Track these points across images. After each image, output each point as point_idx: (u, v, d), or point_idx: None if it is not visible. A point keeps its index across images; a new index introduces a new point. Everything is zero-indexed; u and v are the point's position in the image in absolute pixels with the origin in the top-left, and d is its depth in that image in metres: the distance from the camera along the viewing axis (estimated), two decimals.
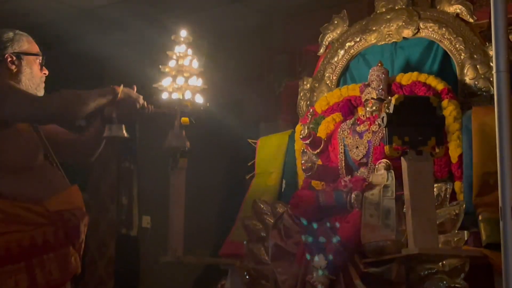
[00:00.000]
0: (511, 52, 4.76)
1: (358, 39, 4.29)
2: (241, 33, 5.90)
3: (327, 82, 4.33)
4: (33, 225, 2.85)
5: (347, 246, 3.41)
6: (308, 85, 4.43)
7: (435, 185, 3.36)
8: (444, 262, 3.23)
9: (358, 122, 3.91)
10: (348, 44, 4.32)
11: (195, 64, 3.86)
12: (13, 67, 3.08)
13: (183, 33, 3.90)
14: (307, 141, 3.89)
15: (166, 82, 3.79)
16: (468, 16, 4.00)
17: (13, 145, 2.94)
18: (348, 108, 4.07)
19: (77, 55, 6.02)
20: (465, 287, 3.19)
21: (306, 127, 3.90)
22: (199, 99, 3.78)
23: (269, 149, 4.33)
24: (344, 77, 4.32)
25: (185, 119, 3.69)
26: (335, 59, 4.35)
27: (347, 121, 3.97)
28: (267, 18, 5.72)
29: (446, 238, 3.31)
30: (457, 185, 3.58)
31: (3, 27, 3.17)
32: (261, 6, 5.61)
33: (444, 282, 3.22)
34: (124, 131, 3.13)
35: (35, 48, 3.18)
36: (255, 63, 5.78)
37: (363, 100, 3.93)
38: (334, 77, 4.33)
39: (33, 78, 3.12)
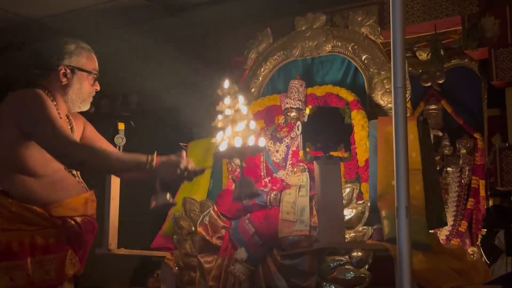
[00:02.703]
0: (416, 67, 4.98)
1: (280, 54, 4.32)
2: (178, 43, 5.88)
3: (252, 92, 4.35)
4: (35, 226, 2.73)
5: (266, 240, 3.46)
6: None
7: (344, 186, 3.43)
8: (350, 254, 3.31)
9: (278, 129, 3.95)
10: (271, 58, 4.35)
11: (244, 109, 3.37)
12: (64, 79, 2.89)
13: (226, 83, 3.43)
14: None
15: (219, 136, 3.32)
16: (376, 36, 4.07)
17: (34, 152, 2.79)
18: (270, 116, 4.11)
19: None
20: (369, 276, 3.26)
21: None
22: (261, 142, 3.25)
23: (199, 152, 4.30)
24: (267, 87, 4.35)
25: (121, 124, 3.58)
26: (259, 71, 4.37)
27: (269, 128, 4.01)
28: (201, 31, 5.72)
29: (353, 233, 3.39)
30: (364, 186, 3.63)
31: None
32: (195, 20, 5.61)
33: (351, 272, 3.29)
34: (169, 198, 2.92)
35: (92, 65, 2.98)
36: (189, 71, 5.76)
37: (283, 109, 3.97)
38: (258, 88, 4.35)
39: (81, 93, 2.94)
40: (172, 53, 5.90)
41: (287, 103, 3.92)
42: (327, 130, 3.23)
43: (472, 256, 4.32)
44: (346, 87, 3.94)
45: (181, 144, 4.39)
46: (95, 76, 3.00)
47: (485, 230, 4.64)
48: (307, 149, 3.21)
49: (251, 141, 3.18)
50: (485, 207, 4.76)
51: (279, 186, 3.60)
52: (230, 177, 3.94)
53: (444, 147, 5.08)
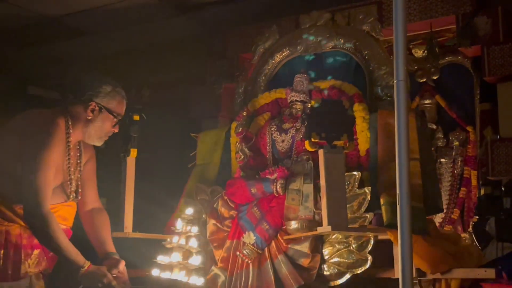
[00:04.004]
0: (411, 64, 4.98)
1: (285, 50, 4.32)
2: (186, 40, 5.88)
3: (259, 86, 4.35)
4: (11, 222, 2.78)
5: (272, 225, 3.48)
6: (243, 88, 4.45)
7: (346, 173, 3.42)
8: (352, 238, 3.33)
9: (284, 120, 3.95)
10: (277, 54, 4.34)
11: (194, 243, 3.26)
12: (91, 115, 2.94)
13: (189, 211, 3.38)
14: (241, 136, 3.94)
15: (162, 259, 3.25)
16: (377, 33, 4.08)
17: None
18: (276, 108, 4.10)
19: None
20: (369, 259, 3.27)
21: (240, 124, 3.93)
22: (195, 280, 3.18)
23: (208, 142, 4.31)
24: (273, 82, 4.34)
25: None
26: (266, 66, 4.37)
27: (275, 119, 4.01)
28: (209, 29, 5.72)
29: (354, 219, 3.39)
30: (365, 174, 3.62)
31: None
32: (204, 17, 5.61)
33: (353, 255, 3.32)
34: None
35: (120, 110, 3.04)
36: (198, 67, 5.76)
37: (288, 101, 3.97)
38: (265, 82, 4.35)
39: (101, 131, 3.00)
40: (181, 49, 5.91)
41: (292, 96, 3.92)
42: (331, 121, 3.24)
43: (465, 241, 4.34)
44: (348, 81, 3.93)
45: (192, 135, 4.40)
46: (118, 119, 3.02)
47: (477, 217, 4.66)
48: (312, 139, 3.21)
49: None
50: (477, 196, 4.78)
51: (284, 175, 3.59)
52: (238, 165, 3.95)
53: (438, 139, 5.10)
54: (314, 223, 3.35)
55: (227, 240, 3.58)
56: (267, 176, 3.66)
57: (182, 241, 3.29)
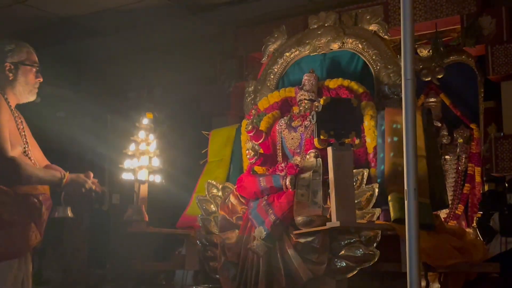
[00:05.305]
0: (417, 63, 4.94)
1: (294, 50, 4.29)
2: (198, 40, 5.86)
3: (268, 85, 4.33)
4: (1, 203, 2.81)
5: (282, 220, 3.45)
6: (253, 87, 4.42)
7: (355, 170, 3.40)
8: (360, 233, 3.30)
9: (293, 118, 3.92)
10: (286, 53, 4.32)
11: (153, 147, 3.74)
12: (10, 75, 3.00)
13: (145, 121, 3.82)
14: (251, 133, 3.91)
15: (127, 163, 3.67)
16: (384, 33, 4.05)
17: None
18: (285, 106, 4.08)
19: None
20: (377, 254, 3.25)
21: (250, 121, 3.90)
22: (157, 178, 3.66)
23: (219, 140, 4.30)
24: (282, 80, 4.32)
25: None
26: (275, 66, 4.34)
27: (284, 117, 3.98)
28: (219, 29, 5.69)
29: (362, 214, 3.37)
30: (372, 171, 3.61)
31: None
32: (215, 18, 5.58)
33: (360, 249, 3.28)
34: (69, 212, 3.01)
35: (33, 58, 3.07)
36: (208, 66, 5.74)
37: (297, 100, 3.94)
38: (274, 81, 4.32)
39: (27, 85, 3.04)
40: (192, 49, 5.89)
41: (302, 95, 3.89)
42: (339, 119, 3.22)
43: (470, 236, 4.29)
44: (356, 80, 3.91)
45: (204, 132, 4.39)
46: (37, 68, 3.07)
47: (481, 212, 4.62)
48: (321, 137, 3.19)
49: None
50: (481, 191, 4.73)
51: (294, 171, 3.56)
52: (248, 162, 3.93)
53: (443, 136, 5.04)
54: (323, 218, 3.32)
55: (238, 234, 3.55)
56: (277, 172, 3.63)
57: (143, 147, 3.67)
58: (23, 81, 3.03)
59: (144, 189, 3.66)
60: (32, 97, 3.08)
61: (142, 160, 3.79)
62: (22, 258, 2.83)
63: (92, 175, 3.05)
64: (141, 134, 3.87)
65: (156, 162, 3.79)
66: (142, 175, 3.74)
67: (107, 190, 6.16)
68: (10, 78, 3.00)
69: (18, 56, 3.03)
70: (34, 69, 3.07)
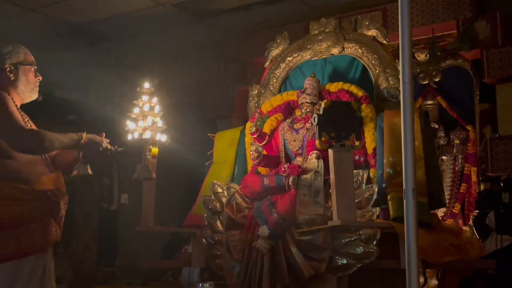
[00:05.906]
0: (415, 67, 4.98)
1: (296, 55, 4.32)
2: (202, 45, 5.89)
3: (271, 89, 4.35)
4: (21, 200, 2.84)
5: (285, 219, 3.48)
6: (256, 91, 4.45)
7: (355, 171, 3.42)
8: (360, 231, 3.33)
9: (296, 121, 3.95)
10: (288, 58, 4.34)
11: (157, 109, 3.70)
12: (11, 76, 3.05)
13: (146, 85, 3.79)
14: (255, 136, 3.94)
15: (131, 125, 3.60)
16: (382, 38, 4.07)
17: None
18: (288, 109, 4.10)
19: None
20: (377, 251, 3.28)
21: (254, 124, 3.93)
22: (163, 138, 3.61)
23: (224, 142, 4.32)
24: (284, 84, 4.34)
25: (154, 150, 3.62)
26: (278, 70, 4.36)
27: (287, 120, 4.01)
28: (223, 34, 5.73)
29: (362, 213, 3.39)
30: (372, 171, 3.63)
31: None
32: (218, 24, 5.62)
33: (360, 247, 3.32)
34: (89, 170, 3.03)
35: (30, 58, 3.12)
36: (213, 70, 5.77)
37: (299, 103, 3.97)
38: (277, 85, 4.35)
39: (28, 84, 3.08)
40: (197, 54, 5.92)
41: (303, 98, 3.92)
42: (340, 122, 3.24)
43: (467, 234, 4.33)
44: (355, 83, 3.93)
45: (209, 135, 4.41)
46: (35, 67, 3.11)
47: (477, 211, 4.65)
48: (322, 138, 3.22)
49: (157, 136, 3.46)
50: (477, 191, 4.77)
51: (296, 171, 3.60)
52: (252, 163, 3.96)
53: (440, 138, 5.10)
54: (324, 217, 3.35)
55: (243, 233, 3.58)
56: (280, 172, 3.67)
57: (146, 108, 3.60)
58: (24, 80, 3.06)
59: (154, 151, 3.56)
60: (34, 95, 3.12)
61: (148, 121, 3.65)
62: (44, 254, 2.86)
63: (104, 135, 3.07)
64: (144, 98, 3.74)
65: (160, 123, 3.66)
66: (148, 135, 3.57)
67: (116, 190, 6.21)
68: (12, 79, 3.04)
69: (16, 57, 3.07)
70: (33, 68, 3.10)
